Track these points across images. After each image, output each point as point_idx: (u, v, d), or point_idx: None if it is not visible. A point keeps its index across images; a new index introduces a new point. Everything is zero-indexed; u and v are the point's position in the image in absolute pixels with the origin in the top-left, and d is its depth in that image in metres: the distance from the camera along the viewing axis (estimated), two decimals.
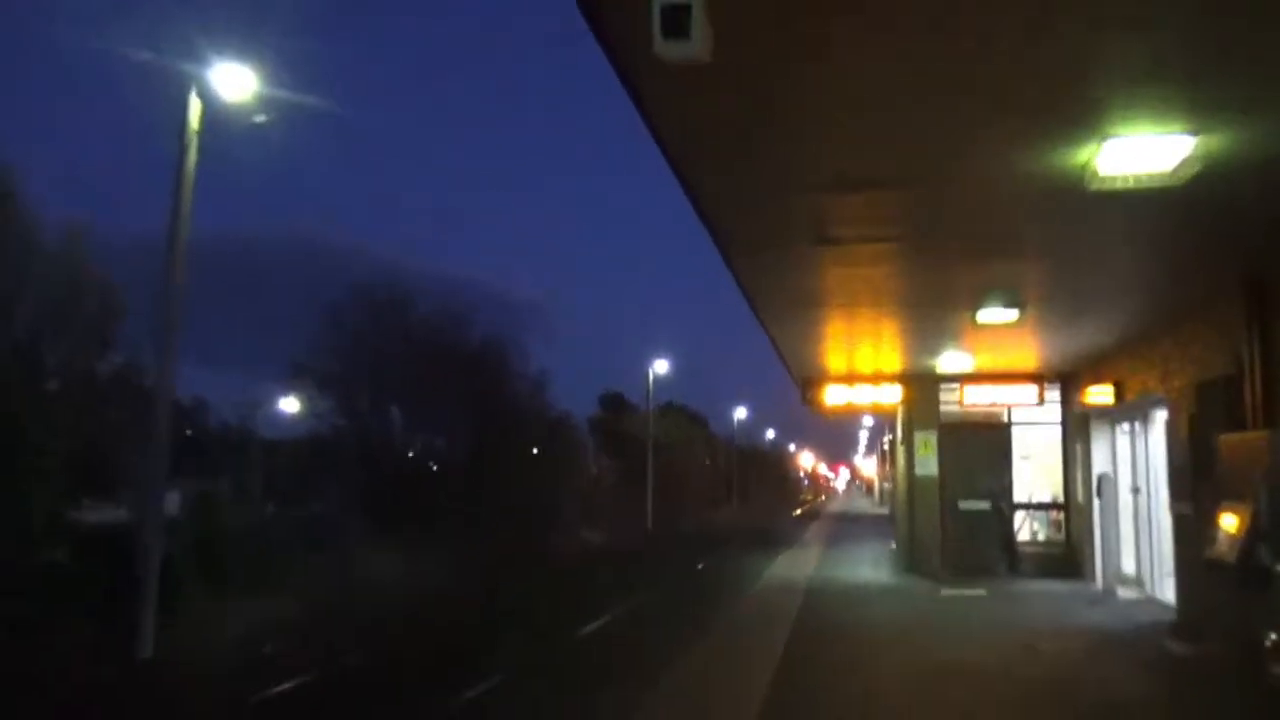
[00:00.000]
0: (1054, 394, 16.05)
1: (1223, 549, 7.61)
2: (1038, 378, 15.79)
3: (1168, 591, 11.60)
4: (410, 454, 30.77)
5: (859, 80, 4.56)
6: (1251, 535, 7.21)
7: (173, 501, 18.86)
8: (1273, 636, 6.41)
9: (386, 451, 28.76)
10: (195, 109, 12.35)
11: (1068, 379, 15.73)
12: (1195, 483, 9.33)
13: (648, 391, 44.46)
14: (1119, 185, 5.51)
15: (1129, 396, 12.73)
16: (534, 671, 10.19)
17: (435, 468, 30.80)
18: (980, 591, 13.84)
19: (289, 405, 34.23)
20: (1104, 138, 5.05)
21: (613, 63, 4.12)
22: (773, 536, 30.53)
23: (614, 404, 52.22)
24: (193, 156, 12.42)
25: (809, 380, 16.51)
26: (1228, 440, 8.00)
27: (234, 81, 12.33)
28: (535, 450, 32.97)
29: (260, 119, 13.26)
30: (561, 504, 32.66)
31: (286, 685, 9.92)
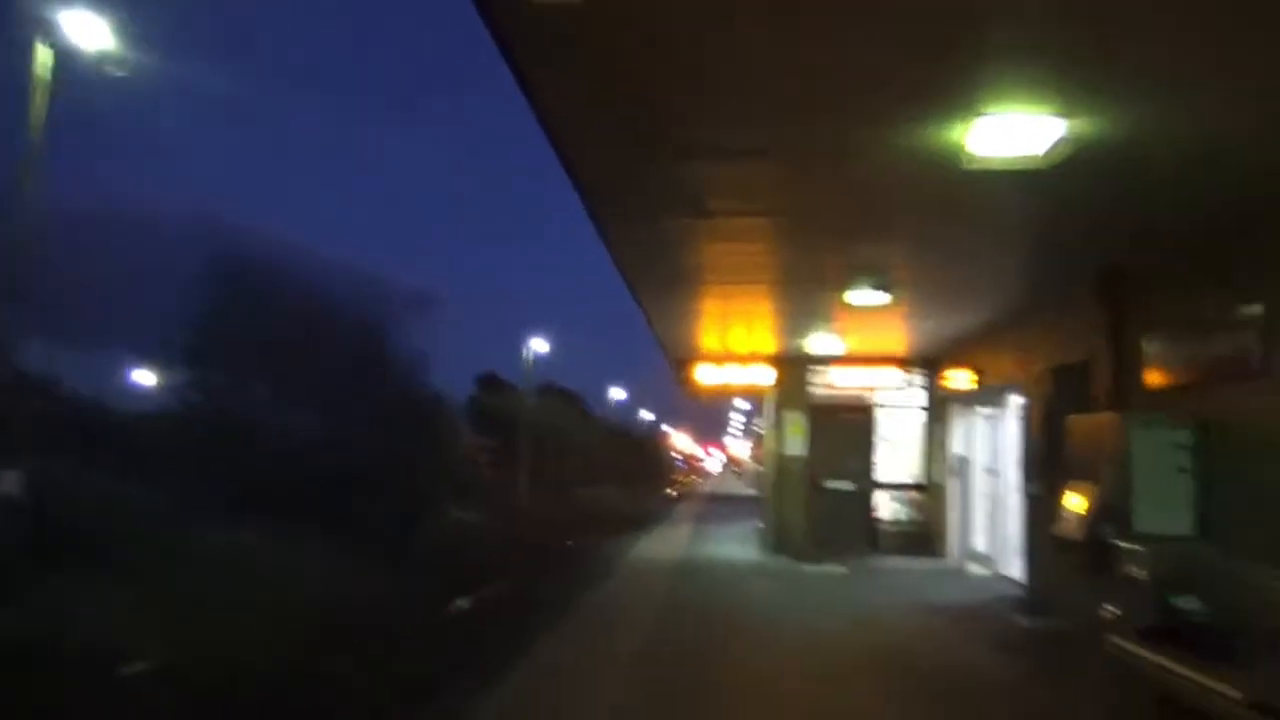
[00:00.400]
0: (918, 378, 16.56)
1: (1069, 527, 7.93)
2: (903, 362, 16.26)
3: (1016, 569, 12.10)
4: (274, 433, 29.54)
5: (730, 44, 4.44)
6: (1096, 514, 7.53)
7: (11, 479, 17.52)
8: (1111, 609, 6.68)
9: (248, 430, 27.51)
10: (44, 56, 11.73)
11: (932, 364, 16.24)
12: (1046, 464, 9.70)
13: (525, 372, 44.01)
14: (990, 166, 5.56)
15: (989, 381, 13.20)
16: (382, 658, 9.79)
17: (300, 447, 29.68)
18: (842, 569, 14.19)
19: (146, 381, 32.41)
20: (976, 115, 5.08)
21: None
22: (646, 516, 30.68)
23: (490, 385, 51.51)
24: (40, 103, 11.73)
25: (684, 360, 16.56)
26: (1077, 422, 8.32)
27: (85, 29, 11.83)
28: (407, 430, 32.13)
29: (116, 71, 12.60)
30: (434, 485, 31.95)
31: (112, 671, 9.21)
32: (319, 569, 16.42)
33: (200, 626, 11.47)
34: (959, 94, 4.86)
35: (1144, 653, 5.78)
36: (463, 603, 13.17)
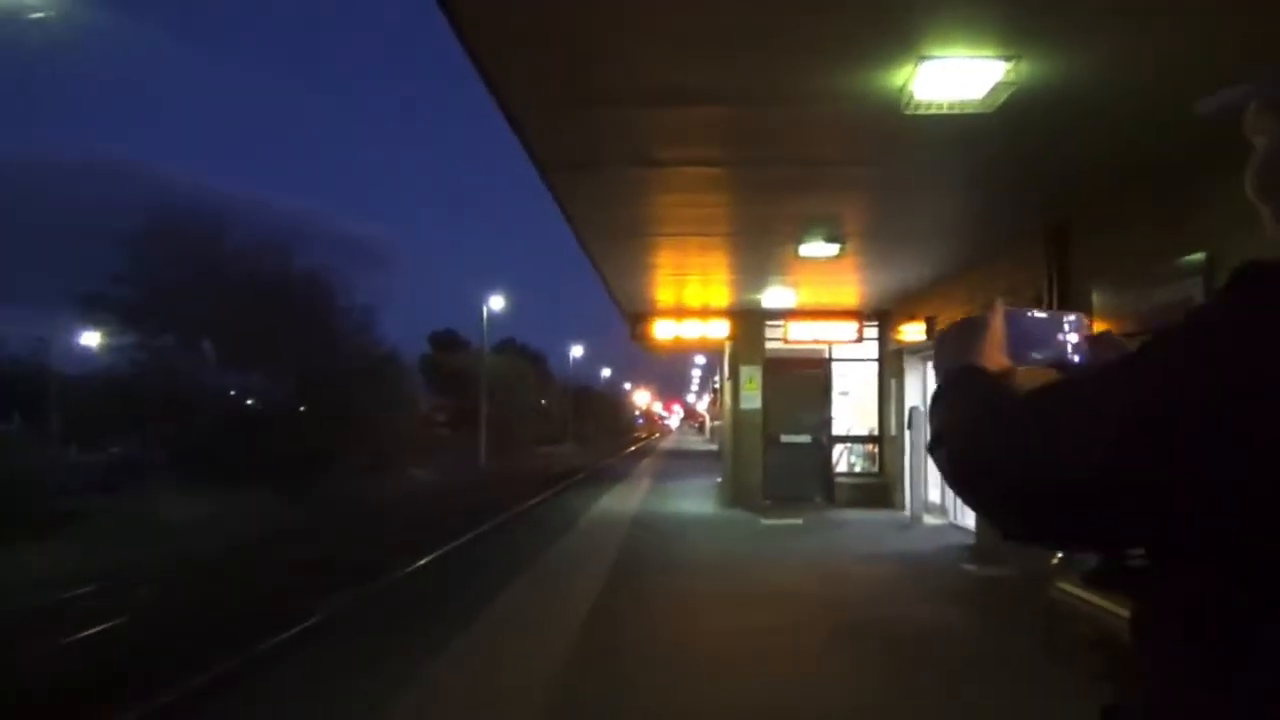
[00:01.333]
0: (872, 331, 16.62)
1: None
2: (857, 315, 16.29)
3: (968, 519, 12.26)
4: (225, 392, 29.03)
5: None
6: None
7: None
8: (1056, 557, 6.75)
9: (197, 389, 27.00)
10: None
11: (884, 316, 16.28)
12: None
13: (483, 329, 43.65)
14: (934, 111, 5.48)
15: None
16: (343, 617, 9.74)
17: (252, 405, 29.22)
18: (798, 521, 14.30)
19: (90, 340, 31.68)
20: (920, 59, 4.98)
21: None
22: (605, 473, 30.82)
23: (445, 342, 51.14)
24: None
25: (638, 315, 16.45)
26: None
27: None
28: (361, 388, 31.83)
29: (38, 14, 12.10)
30: (389, 444, 31.72)
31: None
32: (269, 529, 16.29)
33: (133, 590, 11.34)
34: (903, 36, 4.75)
35: (1087, 596, 5.84)
36: (417, 564, 13.13)
